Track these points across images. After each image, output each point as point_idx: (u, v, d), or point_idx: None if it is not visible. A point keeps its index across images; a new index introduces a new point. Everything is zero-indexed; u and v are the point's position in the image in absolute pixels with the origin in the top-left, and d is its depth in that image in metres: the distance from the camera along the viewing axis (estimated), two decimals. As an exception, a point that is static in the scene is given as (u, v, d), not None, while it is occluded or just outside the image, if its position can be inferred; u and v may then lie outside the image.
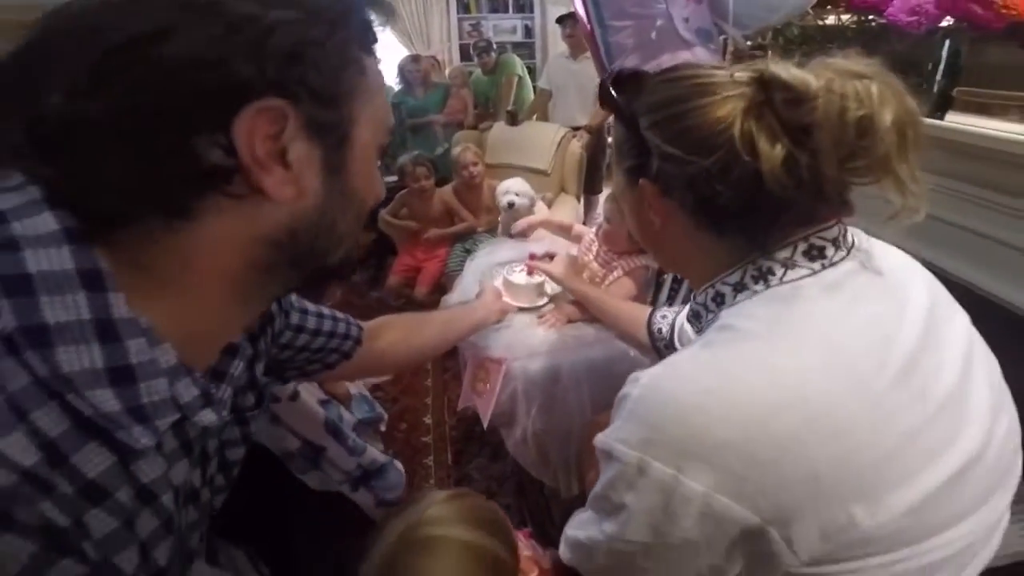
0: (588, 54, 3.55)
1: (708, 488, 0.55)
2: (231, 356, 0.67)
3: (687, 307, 0.86)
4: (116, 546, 0.48)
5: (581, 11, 1.55)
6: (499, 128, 4.02)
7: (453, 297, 1.91)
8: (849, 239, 0.66)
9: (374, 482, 1.58)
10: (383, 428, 2.05)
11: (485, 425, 1.59)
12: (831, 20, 1.78)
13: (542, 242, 1.94)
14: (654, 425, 0.59)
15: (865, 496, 0.55)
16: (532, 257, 1.65)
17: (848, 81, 0.56)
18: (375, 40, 0.58)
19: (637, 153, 0.70)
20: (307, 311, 0.94)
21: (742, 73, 0.62)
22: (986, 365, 0.70)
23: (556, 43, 5.33)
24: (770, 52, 1.95)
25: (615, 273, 1.65)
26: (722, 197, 0.62)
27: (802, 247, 0.64)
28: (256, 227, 0.51)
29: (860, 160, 0.57)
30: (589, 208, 4.15)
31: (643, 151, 0.69)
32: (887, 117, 0.55)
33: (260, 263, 0.54)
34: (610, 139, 0.88)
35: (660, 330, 1.25)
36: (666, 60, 1.47)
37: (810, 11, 1.73)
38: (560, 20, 4.14)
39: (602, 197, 4.04)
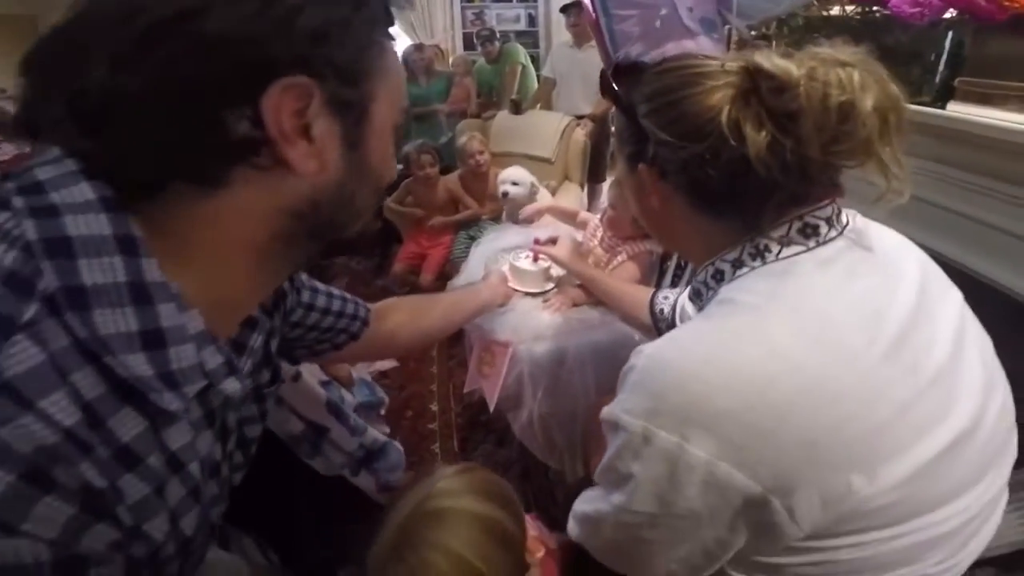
0: (592, 43, 3.54)
1: (711, 455, 0.57)
2: (250, 329, 0.69)
3: (688, 288, 0.89)
4: (147, 512, 0.49)
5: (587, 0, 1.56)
6: (503, 117, 4.03)
7: (459, 282, 1.93)
8: (843, 219, 0.69)
9: (376, 463, 1.59)
10: (383, 412, 2.08)
11: (492, 408, 1.60)
12: (835, 11, 1.79)
13: (547, 228, 1.95)
14: (657, 394, 0.61)
15: (861, 465, 0.57)
16: (537, 242, 1.66)
17: (831, 69, 0.59)
18: (392, 22, 0.60)
19: (636, 140, 0.73)
20: (317, 290, 0.95)
21: (732, 63, 0.64)
22: (979, 343, 0.72)
23: (559, 32, 5.32)
24: (774, 42, 1.97)
25: (619, 258, 1.67)
26: (714, 180, 0.65)
27: (797, 225, 0.66)
28: (280, 198, 0.53)
29: (843, 144, 0.59)
30: (593, 196, 4.16)
31: (641, 138, 0.71)
32: (868, 103, 0.58)
33: (283, 234, 0.55)
34: (614, 127, 0.91)
35: (662, 311, 1.27)
36: (670, 49, 1.48)
37: (814, 1, 1.74)
38: (564, 9, 4.13)
39: (606, 185, 4.05)
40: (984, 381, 0.68)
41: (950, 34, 1.48)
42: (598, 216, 1.81)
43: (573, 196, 3.56)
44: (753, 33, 1.89)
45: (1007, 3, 1.26)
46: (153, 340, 0.48)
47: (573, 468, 1.59)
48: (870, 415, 0.58)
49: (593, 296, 1.58)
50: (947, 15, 1.44)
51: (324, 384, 1.60)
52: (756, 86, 0.61)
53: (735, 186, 0.64)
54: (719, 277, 0.72)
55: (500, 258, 1.83)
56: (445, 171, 3.45)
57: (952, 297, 0.73)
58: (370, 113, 0.56)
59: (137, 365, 0.46)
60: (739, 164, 0.61)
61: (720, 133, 0.61)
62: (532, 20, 6.62)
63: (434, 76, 4.61)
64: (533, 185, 2.76)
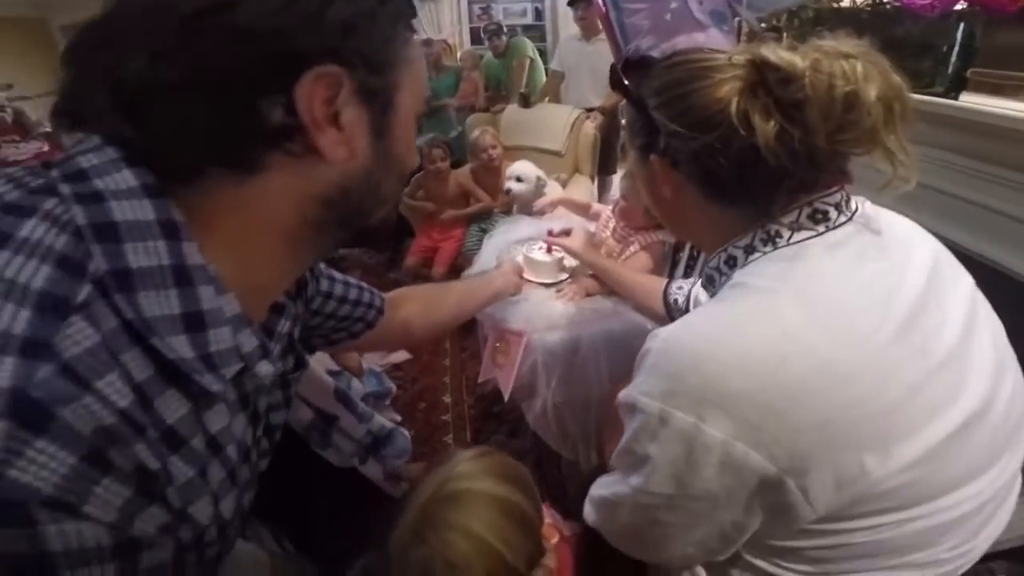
0: (601, 36, 3.53)
1: (727, 435, 0.59)
2: (278, 314, 0.71)
3: (702, 276, 0.91)
4: (192, 495, 0.50)
5: (597, -7, 1.57)
6: (512, 110, 4.03)
7: (472, 273, 1.93)
8: (853, 205, 0.70)
9: (384, 449, 1.63)
10: (388, 402, 2.11)
11: (506, 397, 1.61)
12: (846, 2, 1.80)
13: (559, 220, 1.95)
14: (673, 375, 0.63)
15: (874, 446, 0.59)
16: (550, 234, 1.67)
17: (835, 61, 0.60)
18: (415, 15, 0.61)
19: (647, 132, 0.75)
20: (335, 279, 0.97)
21: (739, 56, 0.66)
22: (991, 328, 0.73)
23: (566, 25, 5.30)
24: (784, 34, 1.97)
25: (632, 248, 1.67)
26: (725, 169, 0.66)
27: (806, 211, 0.68)
28: (311, 185, 0.55)
29: (849, 133, 0.61)
30: (603, 188, 4.13)
31: (652, 130, 0.73)
32: (872, 92, 0.59)
33: (313, 220, 0.57)
34: (623, 120, 0.91)
35: (676, 300, 1.29)
36: (681, 41, 1.49)
37: (825, -8, 1.75)
38: (572, 3, 4.09)
39: (616, 177, 4.05)
40: (995, 364, 0.69)
41: (961, 25, 1.49)
42: (610, 207, 1.81)
43: (583, 189, 3.55)
44: (763, 25, 1.89)
45: (1017, -5, 1.28)
46: (194, 322, 0.49)
47: (587, 457, 1.59)
48: (881, 396, 0.59)
49: (606, 286, 1.59)
50: (958, 7, 1.45)
51: (334, 374, 1.63)
52: (763, 78, 0.63)
53: (745, 174, 0.66)
54: (732, 263, 0.73)
55: (513, 250, 1.83)
56: (455, 165, 3.46)
57: (963, 282, 0.74)
58: (395, 102, 0.58)
59: (180, 347, 0.47)
60: (749, 153, 0.63)
61: (730, 123, 0.63)
62: (539, 14, 6.62)
63: (442, 71, 4.62)
64: (539, 179, 2.74)
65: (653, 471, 0.65)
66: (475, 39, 6.23)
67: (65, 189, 0.46)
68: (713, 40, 1.52)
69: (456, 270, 3.10)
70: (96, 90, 0.48)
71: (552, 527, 0.96)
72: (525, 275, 1.66)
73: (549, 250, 1.68)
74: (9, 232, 0.42)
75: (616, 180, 3.99)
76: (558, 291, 1.64)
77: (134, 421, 0.43)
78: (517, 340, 1.54)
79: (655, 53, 1.27)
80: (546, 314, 1.56)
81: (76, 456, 0.39)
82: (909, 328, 0.63)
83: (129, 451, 0.42)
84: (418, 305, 1.22)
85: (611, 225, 1.77)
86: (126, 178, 0.47)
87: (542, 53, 5.32)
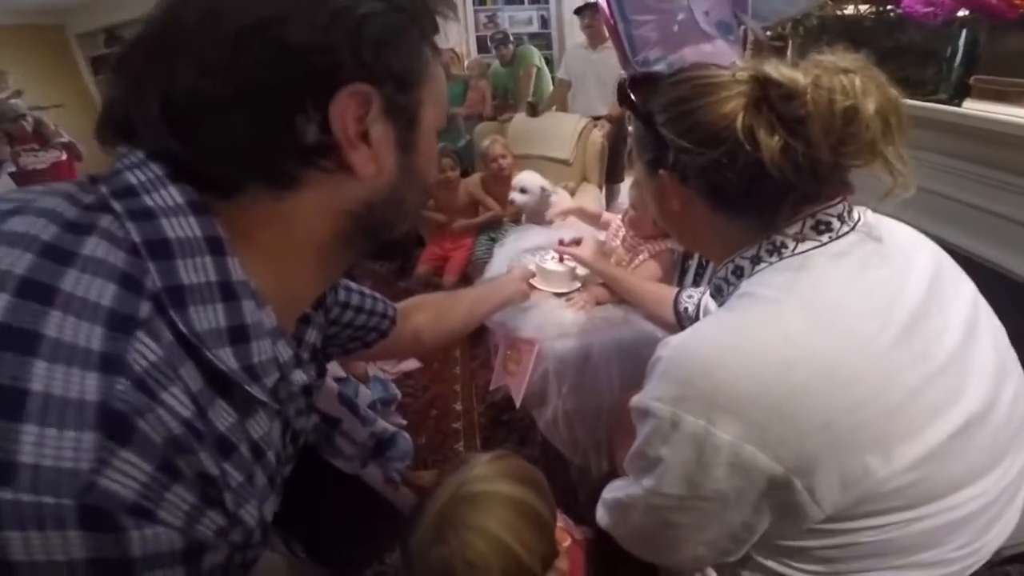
0: (607, 44, 3.54)
1: (735, 438, 0.61)
2: (305, 324, 0.73)
3: (711, 285, 0.93)
4: (243, 498, 0.50)
5: (604, 4, 1.58)
6: (520, 119, 4.05)
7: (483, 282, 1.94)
8: (855, 215, 0.72)
9: (388, 451, 1.66)
10: (393, 407, 2.13)
11: (518, 404, 1.62)
12: (850, 10, 1.81)
13: (569, 229, 1.97)
14: (684, 381, 0.65)
15: (876, 446, 0.61)
16: (561, 243, 1.68)
17: (834, 76, 0.63)
18: (438, 31, 0.61)
19: (655, 147, 0.77)
20: (351, 288, 0.98)
21: (742, 73, 0.68)
22: (992, 332, 0.75)
23: (572, 33, 5.31)
24: (790, 42, 1.99)
25: (641, 256, 1.69)
26: (732, 183, 0.69)
27: (810, 222, 0.70)
28: (343, 201, 0.56)
29: (849, 145, 0.63)
30: (611, 197, 4.14)
31: (660, 145, 0.75)
32: (870, 106, 0.62)
33: (343, 234, 0.58)
34: (631, 128, 0.91)
35: (686, 309, 1.31)
36: (688, 53, 1.51)
37: (829, 1, 1.76)
38: (578, 11, 4.11)
39: (623, 185, 4.05)
40: (996, 368, 0.71)
41: (964, 32, 1.49)
42: (620, 216, 1.83)
43: (592, 197, 3.56)
44: (768, 34, 1.91)
45: (1018, 2, 1.28)
46: (239, 335, 0.50)
47: (598, 463, 1.60)
48: (882, 399, 0.61)
49: (616, 295, 1.60)
50: (960, 13, 1.45)
51: (340, 380, 1.65)
52: (766, 94, 0.65)
53: (752, 188, 0.68)
54: (739, 273, 0.76)
55: (523, 259, 1.84)
56: (464, 174, 3.48)
57: (965, 289, 0.76)
58: (420, 118, 0.59)
59: (227, 358, 0.49)
60: (754, 167, 0.65)
61: (735, 139, 0.65)
62: (545, 22, 6.61)
63: (450, 80, 4.61)
64: (544, 190, 2.74)
65: (665, 473, 0.67)
66: (482, 47, 6.21)
67: (118, 206, 0.47)
68: (719, 50, 1.54)
69: (466, 279, 3.12)
70: (147, 104, 0.49)
71: (564, 531, 0.98)
72: (538, 285, 1.67)
73: (561, 259, 1.69)
74: (73, 250, 0.43)
75: (624, 188, 4.00)
76: (569, 300, 1.65)
77: (196, 430, 0.45)
78: (529, 348, 1.56)
79: (663, 64, 1.29)
80: (557, 322, 1.57)
81: (153, 465, 0.40)
82: (910, 333, 0.65)
83: (194, 459, 0.44)
84: (429, 314, 1.23)
85: (621, 234, 1.78)
86: (172, 195, 0.49)
87: (548, 61, 5.33)
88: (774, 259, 0.71)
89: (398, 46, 0.54)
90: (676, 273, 1.75)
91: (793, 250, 0.70)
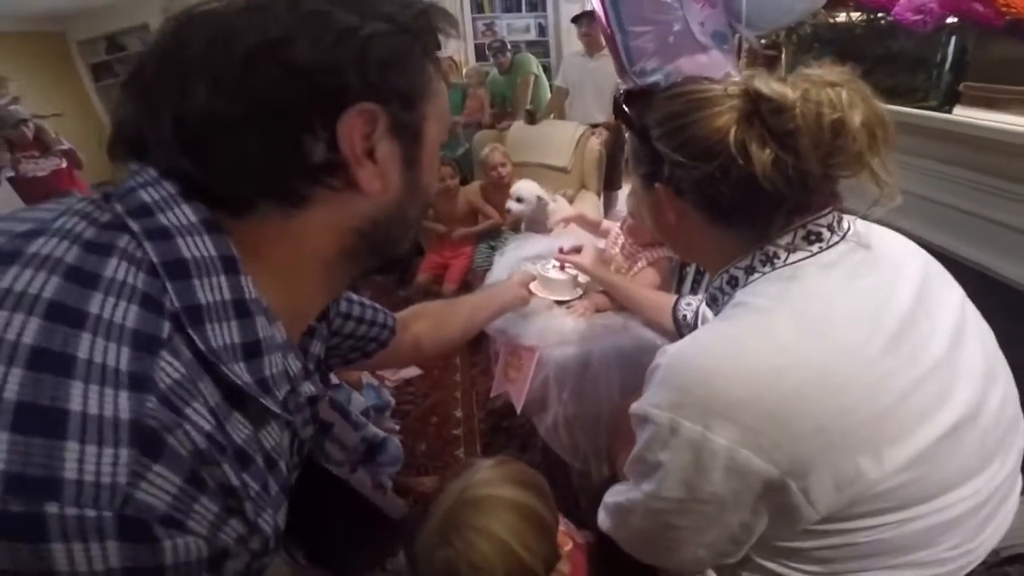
0: (604, 52, 3.54)
1: (731, 442, 0.63)
2: (310, 336, 0.74)
3: (707, 294, 0.94)
4: (260, 507, 0.51)
5: (601, 15, 1.60)
6: (518, 127, 4.06)
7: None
8: (844, 225, 0.74)
9: (379, 456, 1.68)
10: (387, 413, 2.13)
11: (519, 410, 1.63)
12: (842, 18, 1.82)
13: (569, 236, 1.98)
14: (682, 388, 0.67)
15: (868, 449, 0.63)
16: (561, 251, 1.70)
17: (822, 89, 0.65)
18: (441, 48, 0.62)
19: (651, 161, 0.78)
20: (351, 299, 0.99)
21: (733, 87, 0.70)
22: (980, 337, 0.77)
23: (570, 41, 5.33)
24: (784, 50, 2.01)
25: (639, 264, 1.70)
26: (726, 196, 0.71)
27: (801, 233, 0.72)
28: (350, 218, 0.57)
29: (838, 157, 0.65)
30: (609, 204, 4.16)
31: (656, 159, 0.77)
32: (857, 118, 0.64)
33: (349, 250, 0.59)
34: (627, 144, 0.93)
35: (685, 317, 1.33)
36: (683, 63, 1.53)
37: (821, 9, 1.78)
38: (576, 19, 4.14)
39: (621, 193, 4.08)
40: (984, 372, 0.73)
41: (953, 40, 1.50)
42: (618, 224, 1.84)
43: (590, 204, 3.57)
44: (763, 42, 1.93)
45: (1004, 8, 1.30)
46: (252, 350, 0.51)
47: (598, 468, 1.61)
48: (872, 403, 0.63)
49: (616, 302, 1.61)
50: (949, 21, 1.47)
51: (333, 386, 1.67)
52: (757, 108, 0.67)
53: (745, 200, 0.70)
54: (733, 283, 0.77)
55: (523, 267, 1.84)
56: (463, 182, 3.48)
57: (953, 294, 0.78)
58: (423, 134, 0.59)
59: (242, 373, 0.50)
60: (748, 180, 0.67)
61: (728, 153, 0.67)
62: (542, 30, 6.63)
63: (449, 88, 4.60)
64: (540, 199, 2.74)
65: (665, 477, 0.69)
66: (480, 55, 6.23)
67: (135, 226, 0.48)
68: (714, 61, 1.56)
69: (466, 287, 3.12)
70: (160, 124, 0.50)
71: (565, 535, 1.00)
72: (540, 293, 1.68)
73: (562, 267, 1.70)
74: (97, 272, 0.44)
75: (622, 195, 4.02)
76: (569, 307, 1.66)
77: (218, 443, 0.46)
78: (529, 355, 1.57)
79: (659, 75, 1.31)
80: (558, 330, 1.58)
81: (181, 478, 0.42)
82: (899, 340, 0.66)
83: (217, 470, 0.45)
84: (428, 323, 1.24)
85: (620, 242, 1.79)
86: (187, 213, 0.50)
87: (546, 69, 5.34)
88: (767, 269, 0.73)
89: (403, 65, 0.55)
90: (674, 280, 1.76)
91: (785, 260, 0.72)
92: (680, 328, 1.34)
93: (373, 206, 0.57)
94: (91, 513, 0.37)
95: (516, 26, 6.63)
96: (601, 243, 1.89)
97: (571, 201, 3.44)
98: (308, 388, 0.63)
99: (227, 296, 0.50)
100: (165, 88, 0.50)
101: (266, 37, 0.49)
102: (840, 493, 0.63)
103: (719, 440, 0.63)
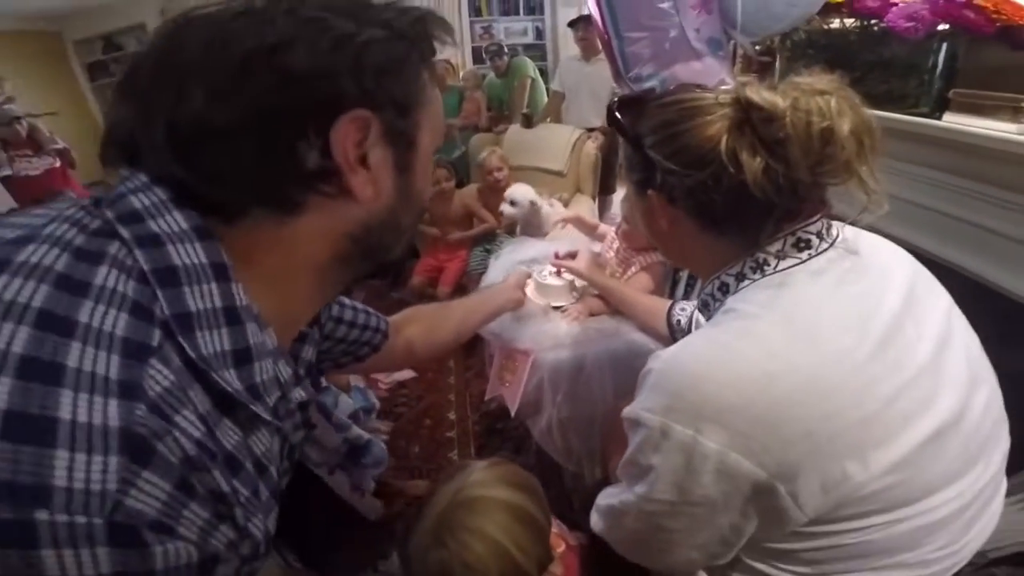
0: (601, 56, 3.55)
1: (722, 446, 0.64)
2: (301, 342, 0.74)
3: (698, 300, 0.95)
4: (250, 513, 0.51)
5: (598, 21, 1.61)
6: (515, 131, 4.06)
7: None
8: (834, 232, 0.75)
9: (363, 458, 1.68)
10: (374, 415, 2.14)
11: (513, 413, 1.63)
12: (835, 24, 1.84)
13: (565, 241, 1.99)
14: (673, 393, 0.68)
15: (854, 453, 0.64)
16: (556, 256, 1.70)
17: (811, 98, 0.66)
18: (435, 55, 0.62)
19: (644, 168, 0.79)
20: (343, 303, 0.99)
21: (724, 96, 0.71)
22: (965, 343, 0.78)
23: (567, 45, 5.31)
24: (778, 56, 2.02)
25: (633, 268, 1.70)
26: (718, 203, 0.71)
27: (791, 240, 0.73)
28: (343, 224, 0.57)
29: (827, 165, 0.66)
30: (604, 208, 4.16)
31: (648, 166, 0.77)
32: (845, 127, 0.64)
33: (342, 256, 0.58)
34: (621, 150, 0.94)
35: (679, 321, 1.34)
36: (679, 70, 1.54)
37: (815, 16, 1.80)
38: (572, 24, 4.13)
39: (616, 196, 4.08)
40: (968, 378, 0.74)
41: (944, 47, 1.52)
42: (613, 228, 1.85)
43: (585, 208, 3.57)
44: (757, 48, 1.94)
45: (995, 15, 1.31)
46: (243, 357, 0.51)
47: (591, 471, 1.62)
48: (859, 408, 0.64)
49: (611, 306, 1.62)
50: (940, 28, 1.48)
51: (322, 389, 1.67)
52: (748, 117, 0.68)
53: (737, 208, 0.71)
54: (724, 289, 0.78)
55: (518, 270, 1.82)
56: (459, 185, 3.49)
57: (940, 301, 0.79)
58: (417, 141, 0.59)
59: (232, 380, 0.50)
60: (739, 188, 0.68)
61: (720, 161, 0.68)
62: (539, 33, 6.62)
63: (445, 91, 4.59)
64: (533, 204, 2.75)
65: (656, 479, 0.70)
66: (477, 59, 6.19)
67: (125, 232, 0.48)
68: (708, 67, 1.57)
69: (461, 290, 3.12)
70: (153, 129, 0.49)
71: (559, 536, 1.01)
72: (537, 299, 1.68)
73: (559, 273, 1.71)
74: (87, 280, 0.44)
75: (616, 199, 4.02)
76: (563, 311, 1.66)
77: (208, 449, 0.46)
78: (524, 358, 1.57)
79: (655, 81, 1.32)
80: (552, 333, 1.58)
81: (171, 484, 0.42)
82: (885, 346, 0.67)
83: (207, 477, 0.45)
84: (421, 326, 1.24)
85: (615, 246, 1.80)
86: (178, 220, 0.49)
87: (543, 73, 5.33)
88: (757, 276, 0.74)
89: (399, 73, 0.55)
90: (668, 284, 1.76)
91: (775, 267, 0.73)
92: (674, 333, 1.35)
93: (366, 212, 0.57)
94: (81, 520, 0.37)
95: (513, 29, 6.61)
96: (597, 247, 1.90)
97: (566, 205, 3.45)
98: (299, 394, 0.63)
99: (218, 303, 0.50)
100: (160, 92, 0.50)
101: (263, 42, 0.48)
102: (827, 496, 0.64)
103: (710, 444, 0.64)
